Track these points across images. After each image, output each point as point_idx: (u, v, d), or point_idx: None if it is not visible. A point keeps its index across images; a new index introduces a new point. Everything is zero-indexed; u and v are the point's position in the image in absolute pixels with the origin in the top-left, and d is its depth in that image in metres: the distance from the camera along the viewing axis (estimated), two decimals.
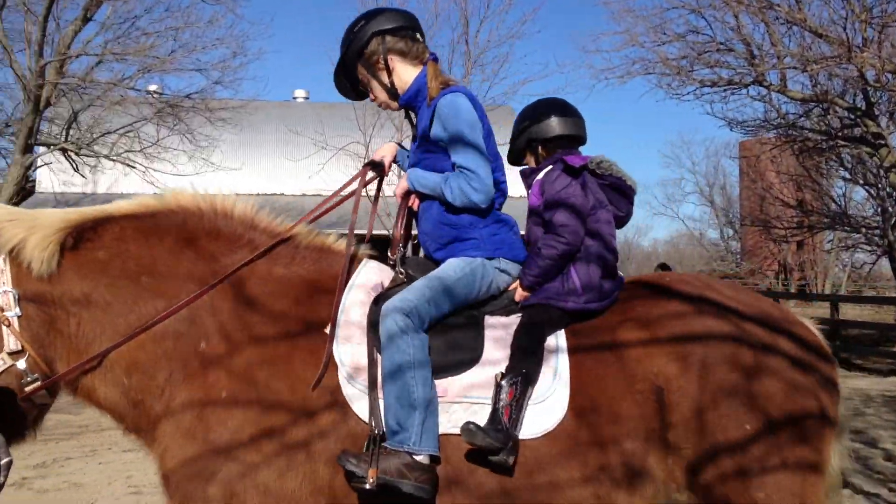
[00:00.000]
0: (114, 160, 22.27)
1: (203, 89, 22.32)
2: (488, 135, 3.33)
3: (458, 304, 3.18)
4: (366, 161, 3.67)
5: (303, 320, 3.14)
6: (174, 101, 22.21)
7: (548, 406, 3.00)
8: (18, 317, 2.98)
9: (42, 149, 21.82)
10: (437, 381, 3.02)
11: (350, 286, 3.22)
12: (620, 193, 3.49)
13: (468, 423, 2.88)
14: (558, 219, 3.28)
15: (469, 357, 3.08)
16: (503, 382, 2.97)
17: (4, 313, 2.96)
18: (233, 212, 3.35)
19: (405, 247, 3.45)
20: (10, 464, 2.81)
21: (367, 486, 2.82)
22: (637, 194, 3.57)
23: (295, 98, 40.03)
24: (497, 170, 3.36)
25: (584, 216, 3.30)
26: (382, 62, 3.41)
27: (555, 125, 3.55)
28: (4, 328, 2.96)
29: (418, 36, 3.42)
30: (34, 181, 27.52)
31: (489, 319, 3.25)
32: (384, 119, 22.22)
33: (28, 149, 19.80)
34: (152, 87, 23.18)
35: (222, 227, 3.29)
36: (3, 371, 2.94)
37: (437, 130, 3.29)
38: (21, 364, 2.96)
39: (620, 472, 2.93)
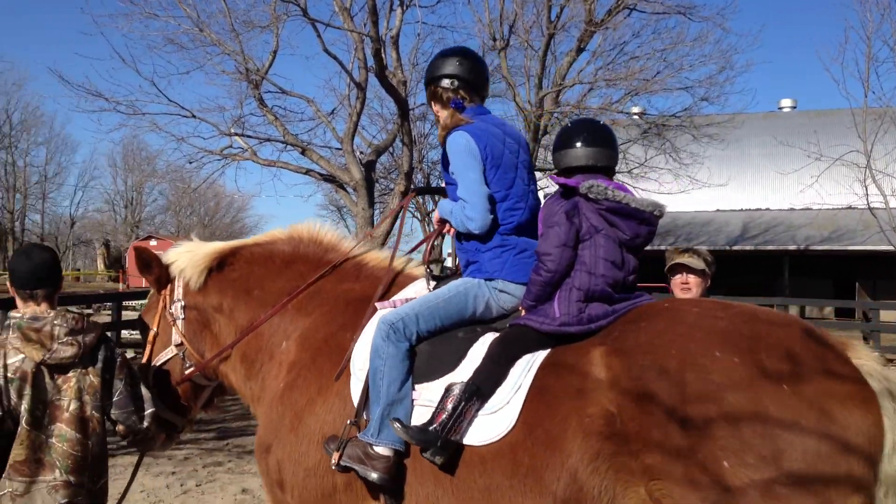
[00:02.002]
0: None
1: (689, 107, 22.35)
2: (494, 166, 3.56)
3: (450, 320, 3.48)
4: (412, 188, 4.05)
5: (351, 328, 3.72)
6: (660, 120, 22.58)
7: (499, 417, 3.14)
8: (182, 319, 4.11)
9: (538, 174, 23.69)
10: (417, 386, 3.38)
11: (388, 301, 3.74)
12: (623, 217, 3.33)
13: (395, 419, 3.25)
14: (541, 248, 3.39)
15: (447, 367, 3.36)
16: (452, 390, 3.20)
17: (175, 318, 4.10)
18: (321, 239, 4.18)
19: (430, 267, 3.87)
20: (153, 414, 3.74)
21: (332, 465, 3.36)
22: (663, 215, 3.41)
23: (781, 108, 38.10)
24: (510, 198, 3.58)
25: (567, 244, 3.32)
26: (431, 107, 3.92)
27: (576, 154, 3.49)
28: (173, 327, 4.11)
29: (445, 82, 3.73)
30: None
31: (487, 336, 3.45)
32: (887, 124, 20.01)
33: None
34: (635, 109, 23.85)
35: (310, 252, 4.13)
36: (171, 357, 4.11)
37: (449, 166, 3.65)
38: (181, 354, 4.11)
39: (564, 492, 2.93)
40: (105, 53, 70.19)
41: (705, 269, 4.62)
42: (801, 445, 2.62)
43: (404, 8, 19.88)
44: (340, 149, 21.87)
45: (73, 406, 3.44)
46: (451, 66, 3.73)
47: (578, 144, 3.49)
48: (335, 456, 3.33)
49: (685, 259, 4.63)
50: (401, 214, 4.30)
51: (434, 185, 36.48)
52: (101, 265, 60.87)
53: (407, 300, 3.68)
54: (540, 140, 21.60)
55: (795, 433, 2.63)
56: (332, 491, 3.44)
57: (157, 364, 4.11)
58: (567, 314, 3.25)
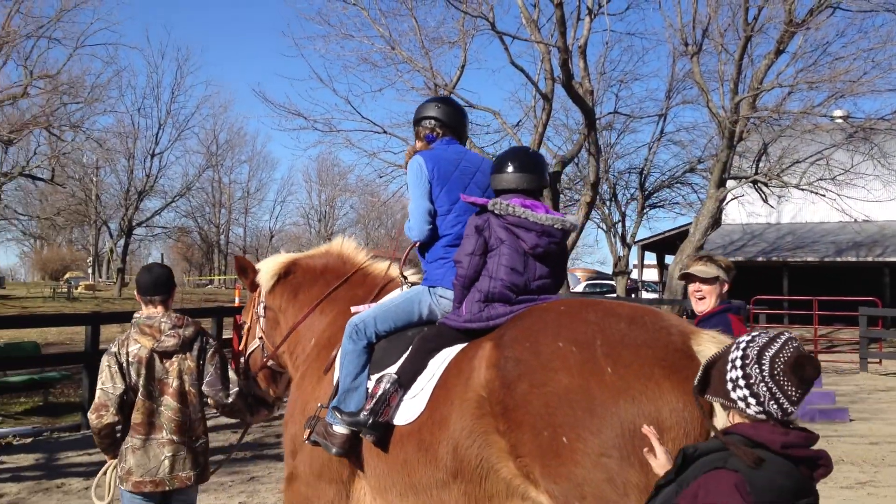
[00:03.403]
0: (803, 189, 22.11)
1: None
2: (440, 184, 4.11)
3: (402, 321, 4.04)
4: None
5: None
6: (867, 124, 21.09)
7: (416, 402, 3.68)
8: (263, 317, 4.91)
9: (732, 182, 22.75)
10: (372, 376, 3.93)
11: (363, 305, 4.34)
12: (526, 229, 3.75)
13: (335, 407, 3.89)
14: (456, 256, 3.89)
15: (393, 359, 3.91)
16: (381, 381, 3.81)
17: (259, 316, 4.92)
18: (343, 252, 4.92)
19: (405, 277, 4.40)
20: (238, 392, 4.66)
21: (303, 440, 4.08)
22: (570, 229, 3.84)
23: None
24: (453, 212, 4.12)
25: (475, 253, 3.79)
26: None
27: (504, 179, 3.92)
28: (257, 324, 4.93)
29: (425, 123, 4.38)
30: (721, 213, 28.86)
31: None
32: None
33: (721, 183, 20.83)
34: (838, 113, 22.42)
35: (333, 264, 4.88)
36: (255, 348, 4.93)
37: None
38: (262, 346, 4.92)
39: (451, 464, 3.44)
40: (304, 74, 74.00)
41: (719, 275, 4.57)
42: (619, 423, 2.94)
43: (592, 17, 19.71)
44: None
45: (175, 383, 4.47)
46: (430, 111, 4.41)
47: (509, 170, 3.93)
48: (306, 432, 4.06)
49: (694, 269, 4.62)
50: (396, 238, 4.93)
51: (620, 195, 35.90)
52: None
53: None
54: (735, 147, 20.73)
55: (615, 412, 2.95)
56: (328, 461, 4.09)
57: (248, 353, 5.03)
58: (470, 313, 3.74)
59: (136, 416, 4.39)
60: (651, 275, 43.74)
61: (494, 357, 3.40)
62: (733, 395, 2.36)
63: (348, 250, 4.96)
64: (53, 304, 34.06)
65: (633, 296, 33.47)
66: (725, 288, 4.57)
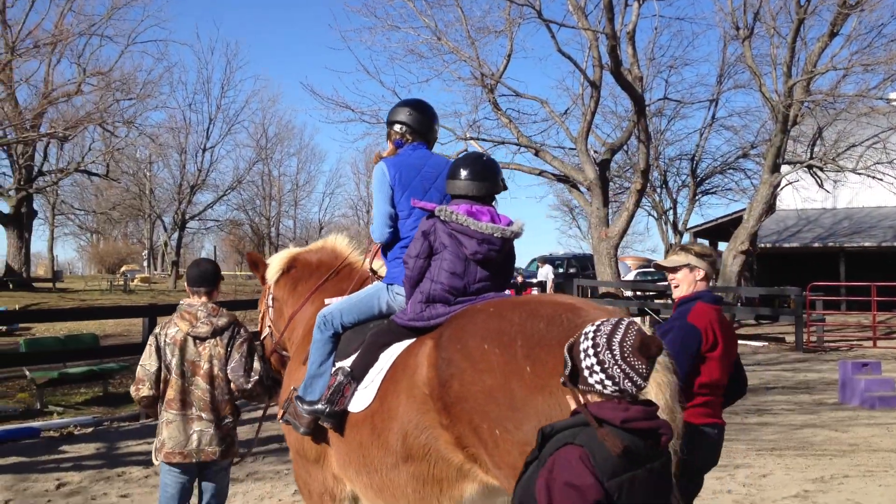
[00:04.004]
0: (859, 173, 21.62)
1: None
2: (402, 189, 4.40)
3: (364, 315, 4.38)
4: None
5: None
6: None
7: (367, 392, 4.02)
8: (271, 307, 5.41)
9: (786, 167, 22.32)
10: (337, 363, 4.28)
11: (335, 298, 4.71)
12: (468, 236, 3.95)
13: (297, 396, 4.30)
14: (404, 258, 4.15)
15: (354, 349, 4.23)
16: (337, 373, 4.16)
17: (268, 306, 5.43)
18: (335, 247, 5.31)
19: (373, 271, 4.82)
20: (258, 379, 5.01)
21: (277, 419, 4.59)
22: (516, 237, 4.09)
23: None
24: (412, 216, 4.38)
25: (420, 256, 4.03)
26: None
27: (457, 185, 4.12)
28: (266, 314, 5.47)
29: (396, 127, 4.61)
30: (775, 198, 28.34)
31: None
32: None
33: (775, 168, 20.46)
34: (894, 95, 21.86)
35: (326, 258, 5.28)
36: (266, 335, 5.46)
37: None
38: (271, 333, 5.41)
39: (401, 450, 3.78)
40: (351, 66, 74.48)
41: (689, 262, 4.63)
42: (537, 416, 3.21)
43: (641, 2, 19.48)
44: (574, 149, 21.82)
45: (206, 366, 4.99)
46: (402, 115, 4.61)
47: (461, 177, 4.11)
48: (280, 413, 4.54)
49: (664, 261, 4.84)
50: (370, 255, 5.13)
51: (670, 181, 35.49)
52: None
53: None
54: (789, 131, 20.34)
55: (534, 406, 3.26)
56: (302, 440, 4.47)
57: (261, 339, 5.52)
58: (413, 312, 4.02)
59: (170, 393, 4.92)
60: None
61: (433, 357, 3.70)
62: (590, 381, 2.62)
63: (340, 245, 5.36)
64: (111, 296, 34.81)
65: None
66: (700, 274, 4.59)
